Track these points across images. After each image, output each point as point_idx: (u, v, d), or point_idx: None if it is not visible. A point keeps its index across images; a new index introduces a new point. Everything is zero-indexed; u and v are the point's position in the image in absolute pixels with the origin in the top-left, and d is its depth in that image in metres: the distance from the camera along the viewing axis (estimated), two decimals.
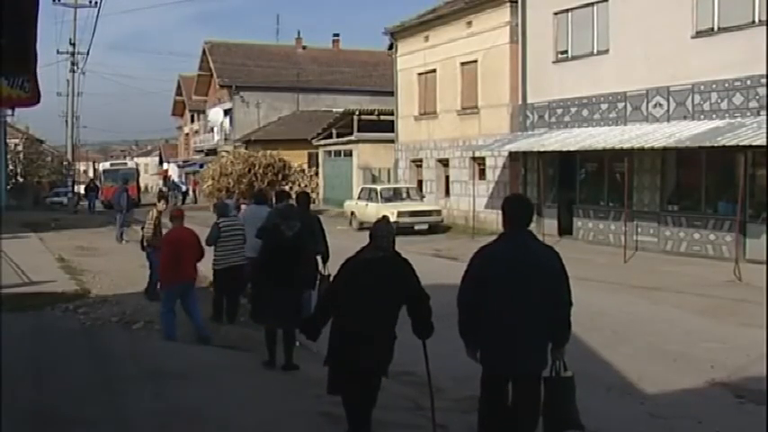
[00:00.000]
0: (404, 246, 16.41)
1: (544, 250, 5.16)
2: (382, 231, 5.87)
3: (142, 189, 53.30)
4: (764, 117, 15.18)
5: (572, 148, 18.92)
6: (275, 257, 7.92)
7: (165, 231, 11.27)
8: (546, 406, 5.08)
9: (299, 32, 61.84)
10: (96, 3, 36.44)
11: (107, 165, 54.12)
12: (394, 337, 5.81)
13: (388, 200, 24.83)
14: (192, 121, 62.28)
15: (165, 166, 72.19)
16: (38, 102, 6.06)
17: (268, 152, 33.97)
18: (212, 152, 49.38)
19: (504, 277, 4.95)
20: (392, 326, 5.79)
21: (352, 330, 5.67)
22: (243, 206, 16.33)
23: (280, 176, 32.51)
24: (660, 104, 18.31)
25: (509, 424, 5.09)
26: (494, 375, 5.08)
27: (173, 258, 9.40)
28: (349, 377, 5.73)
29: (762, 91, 15.73)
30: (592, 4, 20.31)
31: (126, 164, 55.21)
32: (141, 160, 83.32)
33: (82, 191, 51.51)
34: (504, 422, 5.09)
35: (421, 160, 28.98)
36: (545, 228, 20.90)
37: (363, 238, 6.78)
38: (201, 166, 46.51)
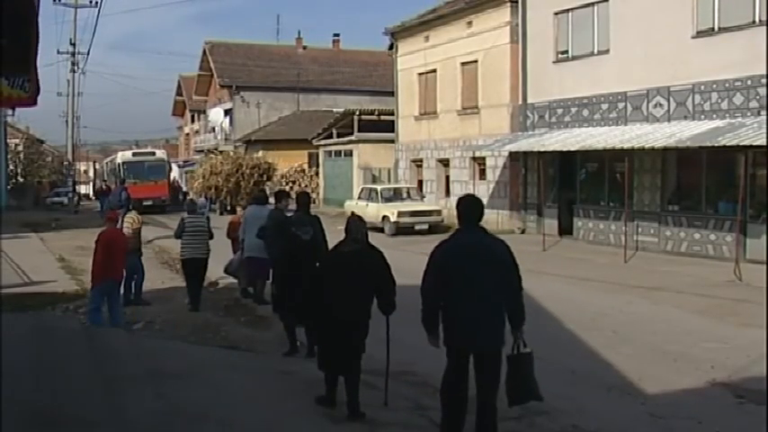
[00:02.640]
0: (404, 245, 16.42)
1: (495, 242, 5.74)
2: (355, 226, 6.68)
3: None
4: (765, 117, 15.18)
5: (572, 148, 18.91)
6: (294, 260, 8.54)
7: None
8: (509, 380, 5.65)
9: (299, 32, 62.32)
10: (96, 3, 36.45)
11: (128, 155, 40.27)
12: (369, 316, 6.54)
13: (388, 200, 24.82)
14: (193, 121, 62.30)
15: None
16: (35, 103, 6.06)
17: (255, 154, 37.34)
18: (213, 152, 49.47)
19: (463, 266, 5.52)
20: (368, 307, 6.51)
21: (334, 312, 6.41)
22: (239, 208, 16.50)
23: (264, 177, 34.86)
24: (660, 104, 18.30)
25: (465, 402, 5.69)
26: (458, 353, 5.61)
27: (107, 258, 9.91)
28: (333, 351, 6.52)
29: (762, 91, 15.72)
30: (592, 4, 20.31)
31: (154, 153, 41.66)
32: None
33: (83, 191, 50.80)
34: (464, 399, 5.67)
35: (421, 160, 28.98)
36: (545, 228, 20.90)
37: None
38: None
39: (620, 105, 19.46)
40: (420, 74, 28.72)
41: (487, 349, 5.56)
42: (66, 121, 46.29)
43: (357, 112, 35.24)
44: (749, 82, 16.07)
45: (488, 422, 5.66)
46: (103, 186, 41.36)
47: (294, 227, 8.83)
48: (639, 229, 18.80)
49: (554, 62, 21.82)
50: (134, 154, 40.53)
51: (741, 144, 14.32)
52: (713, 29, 17.00)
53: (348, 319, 6.40)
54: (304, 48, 53.31)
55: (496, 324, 5.55)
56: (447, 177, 27.45)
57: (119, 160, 39.34)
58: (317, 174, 39.67)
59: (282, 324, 8.99)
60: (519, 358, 5.61)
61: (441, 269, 5.56)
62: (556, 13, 21.59)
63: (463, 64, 25.91)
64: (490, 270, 5.50)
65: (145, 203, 31.83)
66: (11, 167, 46.44)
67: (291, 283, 8.48)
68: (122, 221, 12.18)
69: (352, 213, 7.67)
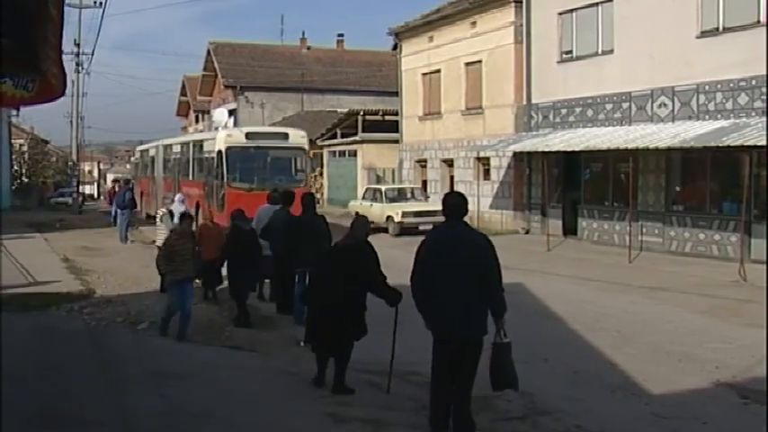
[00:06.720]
0: (408, 246, 16.44)
1: (477, 236, 6.04)
2: (359, 224, 7.38)
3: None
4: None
5: (577, 149, 18.88)
6: (239, 247, 10.64)
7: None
8: (490, 366, 5.89)
9: (303, 33, 61.95)
10: (101, 3, 36.46)
11: (238, 136, 21.84)
12: (363, 306, 7.07)
13: (392, 200, 24.77)
14: (197, 121, 62.27)
15: None
16: (61, 95, 6.07)
17: None
18: None
19: (443, 259, 5.79)
20: (356, 295, 7.01)
21: (325, 297, 7.04)
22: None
23: None
24: (665, 104, 18.27)
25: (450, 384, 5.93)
26: (439, 341, 5.88)
27: None
28: (324, 334, 7.09)
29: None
30: (596, 4, 20.28)
31: (286, 135, 22.82)
32: None
33: (87, 191, 50.23)
34: (448, 382, 5.90)
35: (425, 160, 28.97)
36: (549, 228, 20.87)
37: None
38: None
39: (625, 105, 19.43)
40: (424, 74, 28.71)
41: (465, 339, 5.78)
42: (71, 122, 46.20)
43: (361, 113, 35.28)
44: (754, 82, 16.03)
45: (461, 412, 5.85)
46: (116, 188, 34.62)
47: (236, 220, 10.94)
48: (644, 230, 18.76)
49: (558, 62, 21.79)
50: (249, 135, 21.91)
51: (745, 144, 14.29)
52: (718, 29, 16.96)
53: (336, 303, 6.93)
54: (308, 48, 53.29)
55: (475, 315, 5.73)
56: (451, 177, 27.43)
57: (220, 146, 21.26)
58: (321, 174, 39.69)
59: (236, 301, 10.77)
60: (497, 347, 5.85)
61: (423, 261, 5.88)
62: (560, 14, 21.57)
63: (467, 64, 25.89)
64: (470, 263, 5.72)
65: None
66: (15, 168, 46.47)
67: (239, 266, 10.57)
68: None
69: (360, 213, 8.18)
